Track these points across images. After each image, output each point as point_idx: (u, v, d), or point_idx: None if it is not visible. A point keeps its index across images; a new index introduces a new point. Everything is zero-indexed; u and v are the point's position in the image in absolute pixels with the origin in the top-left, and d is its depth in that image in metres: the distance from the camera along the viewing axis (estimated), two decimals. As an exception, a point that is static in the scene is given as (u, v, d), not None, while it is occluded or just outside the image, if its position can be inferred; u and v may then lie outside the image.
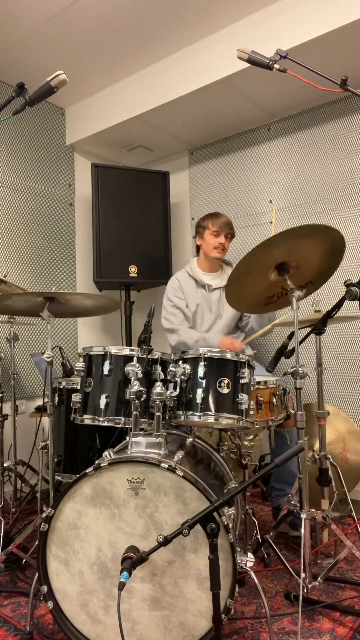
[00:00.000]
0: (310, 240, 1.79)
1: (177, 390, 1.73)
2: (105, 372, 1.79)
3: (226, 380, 1.72)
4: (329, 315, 1.93)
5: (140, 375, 1.72)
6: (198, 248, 2.79)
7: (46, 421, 2.00)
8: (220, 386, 1.71)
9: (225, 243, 2.70)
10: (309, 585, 1.70)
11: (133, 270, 3.33)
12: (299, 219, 3.14)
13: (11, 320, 2.51)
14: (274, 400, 1.96)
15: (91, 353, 1.85)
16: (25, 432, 3.02)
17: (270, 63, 1.64)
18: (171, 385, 1.75)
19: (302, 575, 1.67)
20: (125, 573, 1.26)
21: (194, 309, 2.70)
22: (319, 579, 1.75)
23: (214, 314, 2.71)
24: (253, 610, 1.78)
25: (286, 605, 1.81)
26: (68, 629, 1.51)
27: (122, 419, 1.77)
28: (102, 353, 1.82)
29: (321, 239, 1.79)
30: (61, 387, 2.17)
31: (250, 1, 2.55)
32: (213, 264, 2.75)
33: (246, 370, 1.74)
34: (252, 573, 1.47)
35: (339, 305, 1.86)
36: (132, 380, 1.70)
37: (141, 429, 1.67)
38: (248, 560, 1.47)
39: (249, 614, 1.76)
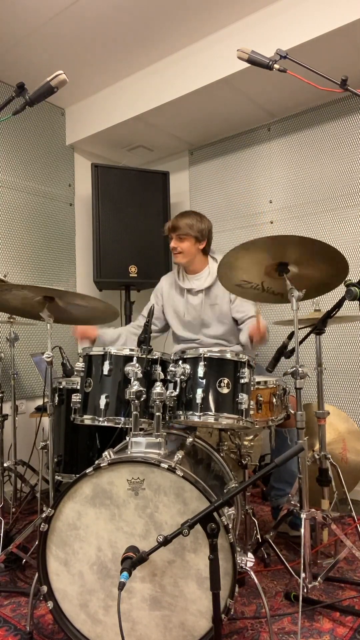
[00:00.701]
0: (316, 257, 1.78)
1: (177, 390, 1.73)
2: (105, 372, 1.79)
3: (226, 380, 1.71)
4: (329, 315, 1.93)
5: (140, 375, 1.71)
6: None
7: (46, 421, 2.00)
8: (220, 386, 1.71)
9: (178, 246, 2.47)
10: (309, 585, 1.70)
11: (133, 270, 3.33)
12: (299, 219, 3.14)
13: (11, 320, 2.51)
14: (274, 400, 1.96)
15: (91, 353, 1.85)
16: (25, 432, 3.02)
17: (270, 63, 1.64)
18: (171, 385, 1.75)
19: (302, 575, 1.67)
20: (125, 573, 1.26)
21: (171, 311, 2.60)
22: (319, 579, 1.75)
23: (197, 320, 2.54)
24: (253, 610, 1.78)
25: (286, 605, 1.81)
26: (68, 629, 1.51)
27: (122, 419, 1.77)
28: (102, 353, 1.82)
29: (328, 261, 1.78)
30: (61, 387, 2.17)
31: (250, 1, 2.55)
32: (190, 267, 2.55)
33: (246, 370, 1.74)
34: (252, 573, 1.47)
35: (339, 305, 1.86)
36: (132, 380, 1.70)
37: (141, 429, 1.67)
38: (248, 560, 1.46)
39: (249, 614, 1.76)
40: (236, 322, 2.53)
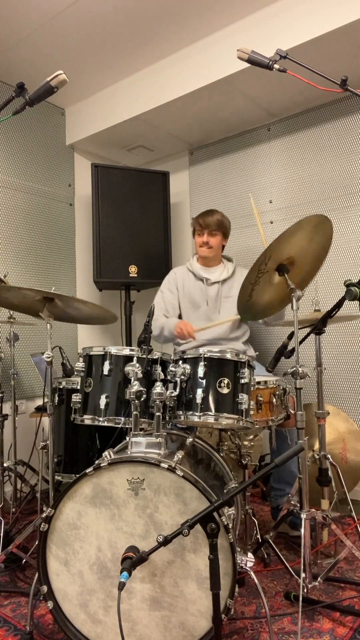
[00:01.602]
0: (300, 235, 1.83)
1: (177, 390, 1.73)
2: (105, 372, 1.79)
3: (226, 380, 1.71)
4: (329, 315, 1.93)
5: (140, 375, 1.71)
6: None
7: (46, 421, 2.00)
8: (220, 386, 1.71)
9: (209, 240, 2.64)
10: (309, 585, 1.70)
11: (133, 270, 3.33)
12: (299, 219, 3.13)
13: (11, 320, 2.51)
14: (274, 400, 1.96)
15: (91, 353, 1.85)
16: (25, 432, 3.02)
17: (270, 63, 1.64)
18: (171, 385, 1.75)
19: (302, 575, 1.67)
20: (125, 573, 1.26)
21: (187, 301, 2.66)
22: (319, 579, 1.75)
23: (211, 309, 2.65)
24: (253, 610, 1.78)
25: (286, 605, 1.81)
26: (68, 629, 1.51)
27: (122, 419, 1.77)
28: (102, 353, 1.82)
29: (308, 230, 1.84)
30: (61, 387, 2.17)
31: (250, 1, 2.55)
32: (210, 261, 2.71)
33: (246, 370, 1.74)
34: (252, 573, 1.47)
35: (339, 305, 1.86)
36: (132, 380, 1.70)
37: (141, 429, 1.67)
38: (248, 560, 1.47)
39: (249, 614, 1.76)
40: None
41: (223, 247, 2.74)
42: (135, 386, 1.60)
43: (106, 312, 2.04)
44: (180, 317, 2.71)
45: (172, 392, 1.72)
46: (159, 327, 2.55)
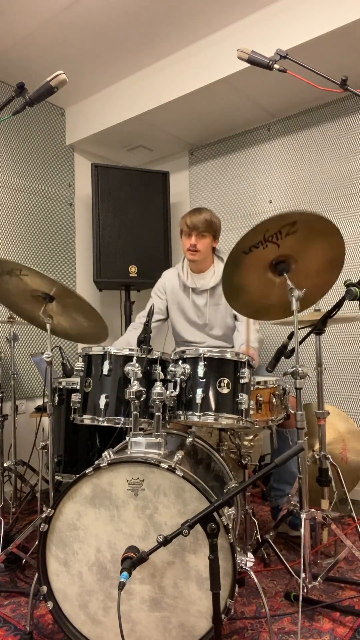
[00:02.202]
0: (312, 239, 1.78)
1: (177, 390, 1.73)
2: (105, 372, 1.79)
3: (226, 380, 1.71)
4: (329, 315, 1.93)
5: (139, 375, 1.71)
6: None
7: (46, 421, 2.00)
8: (220, 386, 1.71)
9: (197, 243, 2.45)
10: (309, 585, 1.69)
11: (133, 270, 3.33)
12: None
13: (11, 320, 2.51)
14: (274, 400, 1.96)
15: (91, 353, 1.85)
16: (25, 432, 3.01)
17: (270, 63, 1.64)
18: (171, 385, 1.75)
19: (302, 575, 1.67)
20: (125, 573, 1.26)
21: (175, 308, 2.58)
22: (319, 579, 1.75)
23: (200, 317, 2.54)
24: (253, 610, 1.78)
25: (286, 605, 1.81)
26: (68, 629, 1.51)
27: (122, 419, 1.77)
28: (102, 353, 1.82)
29: (323, 241, 1.78)
30: (61, 387, 2.17)
31: (250, 1, 2.55)
32: (200, 264, 2.54)
33: (246, 370, 1.74)
34: (252, 573, 1.47)
35: (339, 305, 1.86)
36: (132, 380, 1.70)
37: (141, 429, 1.67)
38: (248, 560, 1.46)
39: (249, 614, 1.76)
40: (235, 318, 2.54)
41: (214, 249, 2.57)
42: (135, 386, 1.60)
43: (100, 324, 2.00)
44: (167, 318, 2.67)
45: (172, 392, 1.72)
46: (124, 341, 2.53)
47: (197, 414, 1.69)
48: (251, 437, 2.52)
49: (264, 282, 1.89)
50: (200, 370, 1.72)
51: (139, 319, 2.64)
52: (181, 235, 2.55)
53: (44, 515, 1.53)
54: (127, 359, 1.79)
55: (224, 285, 1.88)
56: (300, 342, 1.93)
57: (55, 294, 1.92)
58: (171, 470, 1.42)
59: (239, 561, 1.43)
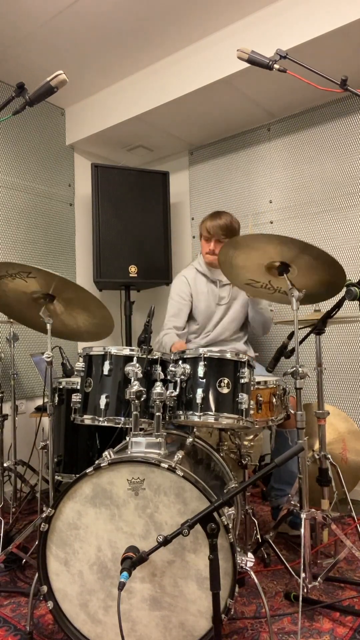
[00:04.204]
0: (314, 263, 1.79)
1: (177, 390, 1.73)
2: (105, 372, 1.79)
3: (226, 380, 1.71)
4: (329, 315, 1.93)
5: (140, 375, 1.71)
6: None
7: (46, 421, 2.00)
8: (220, 386, 1.71)
9: (216, 248, 2.55)
10: (309, 585, 1.70)
11: (133, 270, 3.33)
12: (299, 219, 3.14)
13: (11, 320, 2.51)
14: (274, 400, 1.96)
15: (91, 353, 1.85)
16: (25, 432, 3.01)
17: (270, 63, 1.64)
18: (171, 385, 1.75)
19: (302, 575, 1.67)
20: (125, 573, 1.26)
21: (203, 306, 2.65)
22: (319, 579, 1.75)
23: (222, 309, 2.65)
24: (253, 610, 1.78)
25: (286, 605, 1.81)
26: (68, 629, 1.51)
27: (122, 419, 1.77)
28: (102, 353, 1.82)
29: (325, 269, 1.79)
30: (61, 387, 2.17)
31: (250, 1, 2.55)
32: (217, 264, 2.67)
33: (246, 370, 1.74)
34: (252, 573, 1.47)
35: (339, 305, 1.86)
36: (132, 380, 1.70)
37: (141, 429, 1.67)
38: (248, 560, 1.46)
39: (249, 614, 1.76)
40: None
41: None
42: (135, 386, 1.60)
43: (105, 318, 2.01)
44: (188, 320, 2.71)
45: (172, 392, 1.72)
46: (157, 342, 2.57)
47: (197, 413, 1.69)
48: (251, 437, 2.52)
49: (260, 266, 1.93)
50: (200, 370, 1.72)
51: (168, 322, 2.66)
52: (200, 238, 2.66)
53: (44, 514, 1.53)
54: (128, 359, 1.79)
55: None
56: (300, 342, 1.93)
57: (55, 291, 1.92)
58: (171, 470, 1.42)
59: (239, 561, 1.43)
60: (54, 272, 1.80)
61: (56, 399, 2.14)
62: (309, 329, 2.10)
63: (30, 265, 1.80)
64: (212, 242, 2.57)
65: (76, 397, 1.85)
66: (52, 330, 1.94)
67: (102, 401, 1.77)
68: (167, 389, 1.70)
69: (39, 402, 3.20)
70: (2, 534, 2.12)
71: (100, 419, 1.78)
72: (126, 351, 1.81)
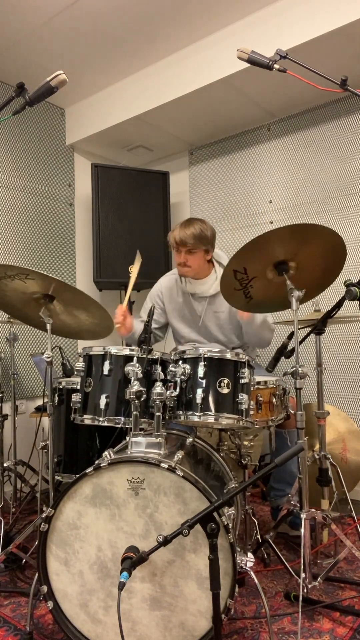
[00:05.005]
0: (311, 243, 1.78)
1: (177, 390, 1.73)
2: (105, 372, 1.79)
3: (226, 380, 1.71)
4: (329, 315, 1.93)
5: (140, 375, 1.71)
6: None
7: (46, 421, 2.00)
8: (220, 386, 1.71)
9: (187, 260, 2.32)
10: (309, 585, 1.70)
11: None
12: (299, 219, 3.14)
13: (11, 320, 2.51)
14: (274, 400, 1.96)
15: (91, 353, 1.85)
16: (25, 432, 3.01)
17: (270, 63, 1.64)
18: (171, 385, 1.75)
19: (302, 575, 1.67)
20: (125, 573, 1.26)
21: (176, 315, 2.52)
22: (319, 579, 1.75)
23: (203, 326, 2.46)
24: (253, 610, 1.78)
25: (286, 605, 1.81)
26: (68, 629, 1.51)
27: (122, 419, 1.77)
28: (102, 353, 1.82)
29: (321, 242, 1.78)
30: (61, 387, 2.17)
31: (250, 1, 2.55)
32: (200, 275, 2.42)
33: (246, 370, 1.74)
34: (252, 573, 1.47)
35: (339, 305, 1.86)
36: (132, 380, 1.70)
37: (141, 429, 1.67)
38: (248, 560, 1.46)
39: (249, 614, 1.76)
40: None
41: (209, 260, 2.41)
42: (135, 386, 1.60)
43: (102, 318, 2.01)
44: (167, 325, 2.63)
45: (172, 392, 1.72)
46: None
47: (197, 414, 1.69)
48: (251, 437, 2.52)
49: (263, 281, 1.90)
50: (201, 371, 1.72)
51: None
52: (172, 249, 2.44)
53: (44, 515, 1.53)
54: (128, 359, 1.80)
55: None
56: (300, 342, 1.93)
57: (55, 292, 1.92)
58: (171, 470, 1.42)
59: (239, 561, 1.43)
60: (54, 272, 1.80)
61: (56, 399, 2.14)
62: (309, 329, 2.10)
63: (28, 268, 1.80)
64: (182, 253, 2.32)
65: (76, 397, 1.85)
66: (52, 329, 1.94)
67: (102, 401, 1.77)
68: (167, 389, 1.70)
69: (39, 402, 3.20)
70: (2, 534, 2.12)
71: (100, 419, 1.78)
72: (126, 351, 1.81)
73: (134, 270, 2.29)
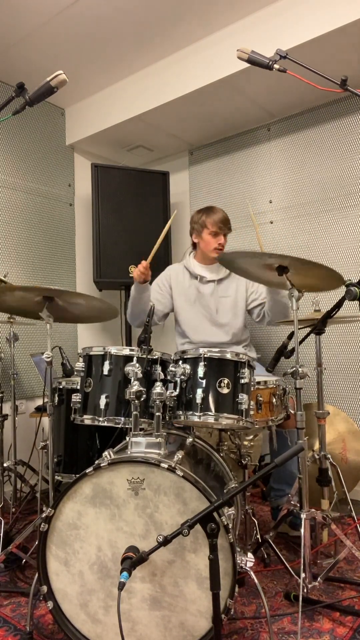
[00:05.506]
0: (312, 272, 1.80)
1: (177, 390, 1.73)
2: (105, 372, 1.79)
3: (226, 380, 1.71)
4: (329, 315, 1.93)
5: (140, 375, 1.71)
6: (195, 244, 2.70)
7: (46, 421, 2.00)
8: (220, 386, 1.71)
9: (224, 242, 2.59)
10: (309, 585, 1.70)
11: (133, 270, 3.33)
12: (299, 219, 3.14)
13: (11, 320, 2.51)
14: (274, 400, 1.96)
15: (91, 353, 1.85)
16: (25, 432, 3.01)
17: (270, 63, 1.64)
18: (171, 385, 1.75)
19: (302, 575, 1.67)
20: (125, 573, 1.26)
21: (182, 300, 2.61)
22: (318, 579, 1.75)
23: (207, 308, 2.57)
24: (253, 610, 1.78)
25: (286, 605, 1.81)
26: (68, 629, 1.51)
27: (122, 419, 1.77)
28: (102, 353, 1.82)
29: (323, 275, 1.80)
30: (61, 387, 2.17)
31: (250, 1, 2.55)
32: (211, 259, 2.62)
33: (246, 371, 1.74)
34: (252, 573, 1.47)
35: (339, 305, 1.86)
36: (132, 380, 1.70)
37: (141, 429, 1.68)
38: (248, 560, 1.47)
39: (249, 614, 1.76)
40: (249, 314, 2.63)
41: None
42: (135, 386, 1.60)
43: (106, 306, 2.01)
44: (168, 314, 2.71)
45: (172, 392, 1.72)
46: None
47: (197, 414, 1.69)
48: (251, 437, 2.52)
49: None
50: (200, 371, 1.72)
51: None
52: (198, 234, 2.62)
53: (44, 515, 1.53)
54: (128, 359, 1.80)
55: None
56: (300, 342, 1.93)
57: (54, 293, 1.92)
58: (171, 470, 1.42)
59: (239, 561, 1.43)
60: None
61: (56, 399, 2.14)
62: (309, 329, 2.10)
63: (16, 285, 1.82)
64: (221, 236, 2.57)
65: (76, 397, 1.85)
66: (54, 317, 1.93)
67: (102, 401, 1.77)
68: (167, 389, 1.70)
69: (39, 402, 3.20)
70: (2, 534, 2.12)
71: (100, 419, 1.78)
72: (126, 351, 1.81)
73: (168, 224, 2.49)
